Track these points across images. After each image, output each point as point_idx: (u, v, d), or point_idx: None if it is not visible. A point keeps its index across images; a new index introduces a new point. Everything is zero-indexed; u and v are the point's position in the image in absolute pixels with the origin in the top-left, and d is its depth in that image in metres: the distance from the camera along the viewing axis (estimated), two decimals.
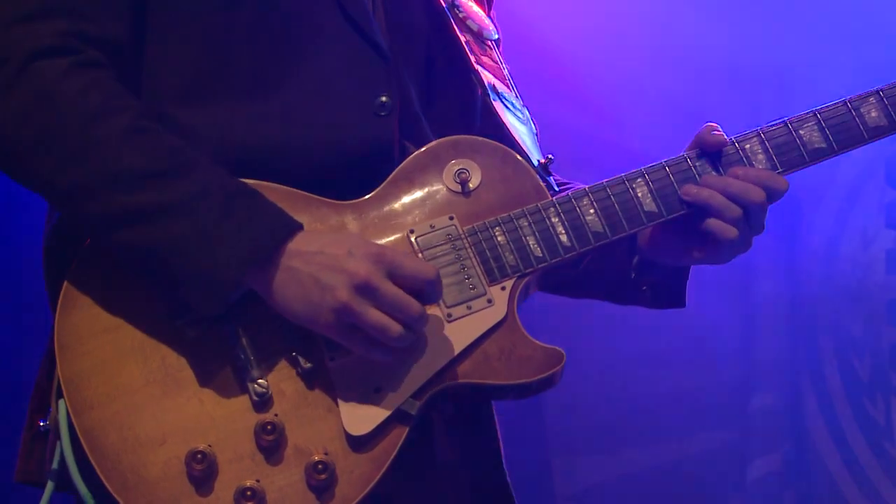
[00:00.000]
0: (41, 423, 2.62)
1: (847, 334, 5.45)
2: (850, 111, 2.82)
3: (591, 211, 2.75)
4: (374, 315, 2.53)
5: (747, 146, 2.81)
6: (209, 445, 2.55)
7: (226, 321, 2.58)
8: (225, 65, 2.67)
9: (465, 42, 2.88)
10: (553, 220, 2.73)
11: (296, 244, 2.56)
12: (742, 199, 2.75)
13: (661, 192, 2.77)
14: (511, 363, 2.64)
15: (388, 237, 2.67)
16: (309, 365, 2.60)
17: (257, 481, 2.56)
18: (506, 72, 3.00)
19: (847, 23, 5.25)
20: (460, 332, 2.64)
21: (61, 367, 2.59)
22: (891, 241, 5.39)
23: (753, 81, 5.28)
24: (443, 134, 2.78)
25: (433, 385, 2.61)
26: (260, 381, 2.58)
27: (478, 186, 2.73)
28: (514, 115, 2.90)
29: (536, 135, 2.96)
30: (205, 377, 2.59)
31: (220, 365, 2.59)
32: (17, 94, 2.53)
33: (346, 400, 2.59)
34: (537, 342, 2.66)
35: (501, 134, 2.81)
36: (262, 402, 2.58)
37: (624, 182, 2.77)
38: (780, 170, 2.80)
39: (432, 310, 2.62)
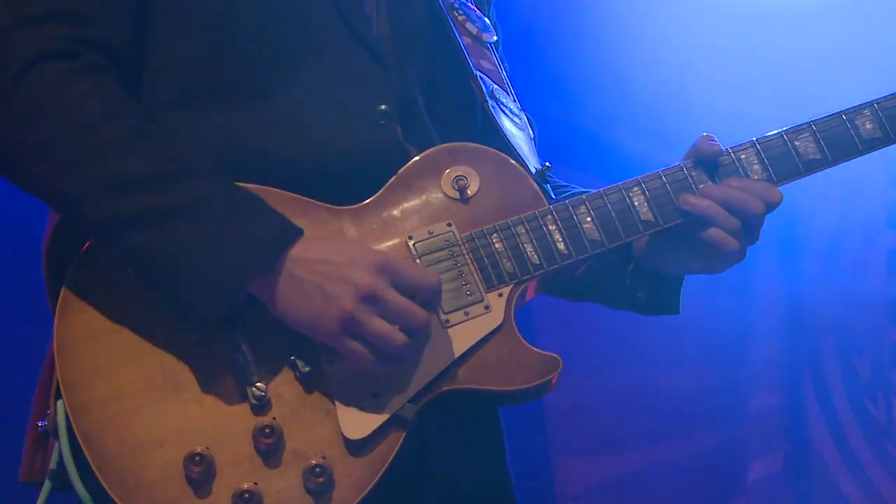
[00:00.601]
0: (40, 424, 2.63)
1: (847, 334, 5.44)
2: (845, 123, 2.83)
3: (588, 219, 2.76)
4: (379, 325, 2.54)
5: (743, 156, 2.82)
6: (207, 448, 2.56)
7: (225, 325, 2.58)
8: (225, 71, 2.68)
9: (465, 45, 2.89)
10: (550, 227, 2.74)
11: (297, 250, 2.56)
12: (742, 211, 2.76)
13: (658, 201, 2.78)
14: (508, 369, 2.65)
15: (386, 243, 2.68)
16: (307, 369, 2.60)
17: (255, 484, 2.56)
18: (504, 75, 3.00)
19: (846, 23, 5.25)
20: (458, 338, 2.65)
21: (61, 369, 2.59)
22: (891, 241, 5.39)
23: (755, 83, 5.27)
24: (446, 138, 2.79)
25: (430, 390, 2.62)
26: (258, 384, 2.59)
27: (476, 193, 2.74)
28: (513, 120, 2.90)
29: (534, 139, 2.97)
30: (204, 380, 2.59)
31: (219, 368, 2.60)
32: (18, 98, 2.53)
33: (344, 404, 2.60)
34: (534, 349, 2.67)
35: (500, 140, 2.81)
36: (261, 406, 2.59)
37: (621, 191, 2.78)
38: (776, 180, 2.81)
39: None
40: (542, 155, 2.93)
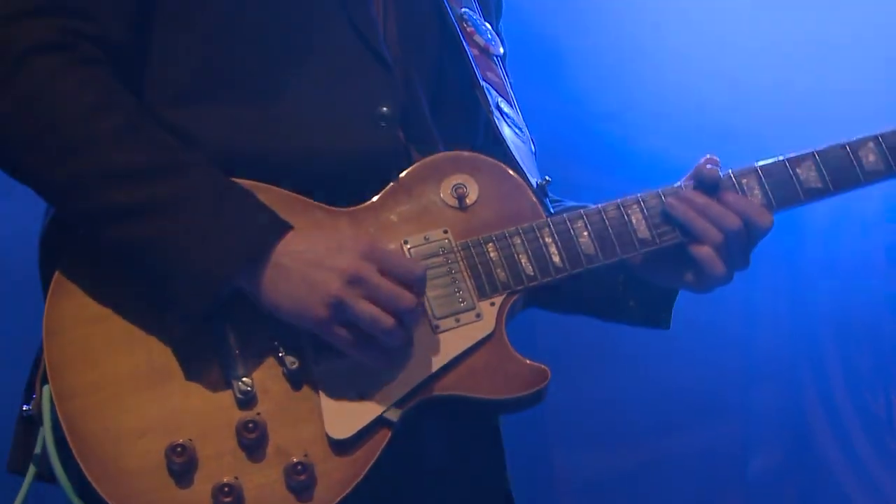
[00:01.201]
0: (24, 408, 2.63)
1: (847, 329, 5.43)
2: (848, 154, 2.84)
3: (585, 233, 2.76)
4: (367, 307, 2.54)
5: (744, 181, 2.82)
6: (190, 440, 2.56)
7: (214, 318, 2.58)
8: (226, 70, 2.68)
9: (473, 56, 2.90)
10: (546, 240, 2.74)
11: (286, 244, 2.56)
12: (719, 224, 2.76)
13: (656, 220, 2.79)
14: (496, 378, 2.65)
15: (382, 245, 2.68)
16: (295, 365, 2.60)
17: (236, 478, 2.56)
18: (509, 88, 3.01)
19: (848, 26, 5.26)
20: (447, 345, 2.65)
21: (48, 353, 2.59)
22: (891, 234, 5.39)
23: (758, 90, 5.27)
24: (449, 144, 2.79)
25: (417, 395, 2.62)
26: (245, 378, 2.59)
27: (475, 202, 2.74)
28: (515, 132, 2.91)
29: (535, 154, 2.98)
30: (190, 372, 2.59)
31: (206, 361, 2.59)
32: (12, 89, 2.54)
33: (330, 403, 2.60)
34: (524, 359, 2.67)
35: (502, 151, 2.82)
36: (247, 400, 2.59)
37: (619, 207, 2.78)
38: (775, 205, 2.81)
39: (420, 321, 2.63)
40: (543, 171, 2.93)
